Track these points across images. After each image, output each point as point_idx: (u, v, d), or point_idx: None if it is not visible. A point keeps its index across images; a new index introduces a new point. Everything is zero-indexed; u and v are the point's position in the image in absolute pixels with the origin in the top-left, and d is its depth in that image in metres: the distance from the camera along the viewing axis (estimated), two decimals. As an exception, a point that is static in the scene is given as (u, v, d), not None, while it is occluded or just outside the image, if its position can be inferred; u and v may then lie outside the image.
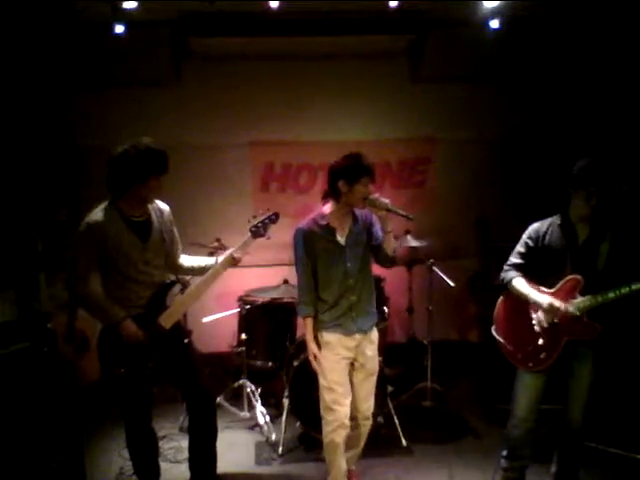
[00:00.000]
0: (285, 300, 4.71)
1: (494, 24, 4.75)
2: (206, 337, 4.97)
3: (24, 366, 3.75)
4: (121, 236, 3.14)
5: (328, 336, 3.41)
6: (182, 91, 5.54)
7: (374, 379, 3.55)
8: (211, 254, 4.49)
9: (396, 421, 4.30)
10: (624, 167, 3.21)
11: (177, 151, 5.53)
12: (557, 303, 3.09)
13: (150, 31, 5.01)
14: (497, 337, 3.39)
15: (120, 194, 3.15)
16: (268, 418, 4.53)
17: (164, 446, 4.17)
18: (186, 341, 3.38)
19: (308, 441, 4.23)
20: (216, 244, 4.56)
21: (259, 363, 4.70)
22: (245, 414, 4.64)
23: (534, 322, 3.22)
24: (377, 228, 3.46)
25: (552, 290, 3.18)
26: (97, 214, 3.14)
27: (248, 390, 4.68)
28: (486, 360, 4.64)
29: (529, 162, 5.72)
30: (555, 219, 3.24)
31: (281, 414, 4.34)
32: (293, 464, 4.09)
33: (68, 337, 4.51)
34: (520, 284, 3.26)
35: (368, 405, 3.53)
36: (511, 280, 3.29)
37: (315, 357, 3.40)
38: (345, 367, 3.43)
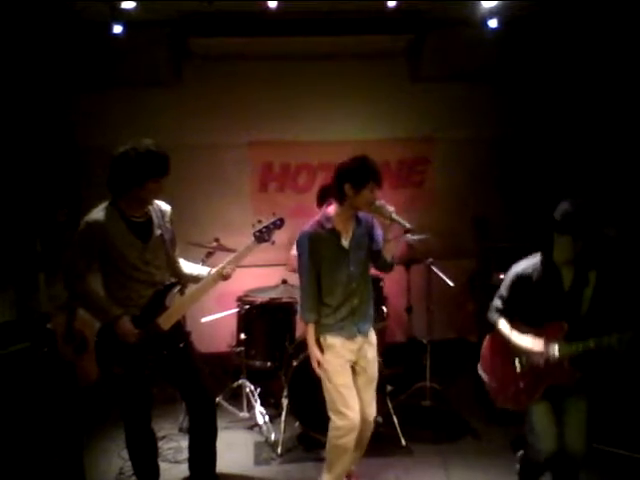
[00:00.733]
0: (284, 300, 4.72)
1: (493, 24, 4.76)
2: (205, 337, 4.95)
3: (24, 366, 3.75)
4: (121, 236, 3.14)
5: (332, 339, 3.39)
6: (181, 91, 5.55)
7: (375, 384, 3.54)
8: (209, 254, 4.50)
9: (395, 421, 4.30)
10: (611, 206, 3.13)
11: (176, 151, 5.50)
12: (538, 347, 3.06)
13: (149, 31, 5.03)
14: (482, 375, 3.36)
15: (120, 195, 3.16)
16: (267, 418, 4.53)
17: (164, 446, 4.18)
18: (181, 345, 3.34)
19: (307, 441, 4.23)
20: (215, 244, 4.56)
21: (258, 363, 4.70)
22: (244, 414, 4.65)
23: (516, 364, 3.19)
24: (378, 232, 3.43)
25: (536, 332, 3.12)
26: (98, 213, 3.14)
27: (247, 390, 4.68)
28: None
29: (528, 161, 5.73)
30: (538, 261, 3.14)
31: (280, 414, 4.34)
32: (292, 464, 4.08)
33: (67, 337, 4.51)
34: (504, 327, 3.20)
35: (372, 410, 3.51)
36: (495, 324, 3.23)
37: (319, 363, 3.38)
38: (349, 370, 3.42)
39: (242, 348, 4.64)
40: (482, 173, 5.82)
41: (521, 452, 3.41)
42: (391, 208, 3.25)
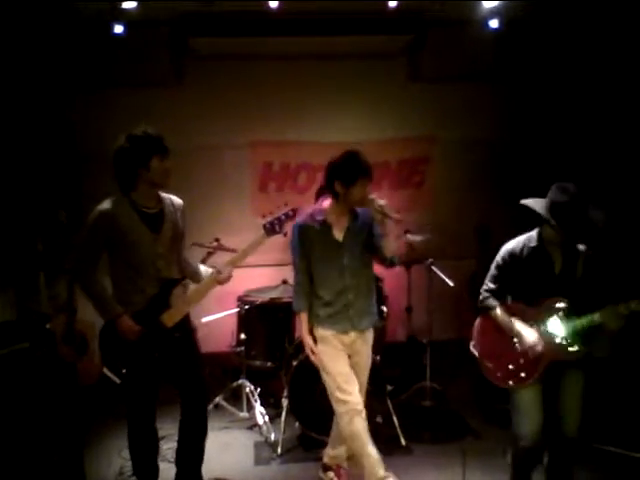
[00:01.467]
0: (284, 300, 4.71)
1: (493, 24, 4.76)
2: (205, 337, 4.96)
3: (24, 366, 3.76)
4: (133, 226, 3.13)
5: (323, 331, 3.40)
6: (182, 91, 5.54)
7: (366, 375, 3.53)
8: (210, 254, 4.50)
9: (395, 421, 4.29)
10: (605, 183, 3.13)
11: (177, 150, 5.52)
12: (540, 347, 3.06)
13: (150, 31, 5.03)
14: (475, 353, 3.34)
15: (130, 185, 3.14)
16: (267, 418, 4.53)
17: (163, 446, 4.15)
18: (177, 335, 3.30)
19: (307, 441, 4.22)
20: (215, 244, 4.56)
21: (258, 363, 4.71)
22: (244, 414, 4.65)
23: (515, 341, 3.17)
24: (377, 226, 3.41)
25: (534, 311, 3.13)
26: (109, 203, 3.14)
27: (247, 390, 4.68)
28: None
29: (528, 161, 5.72)
30: (528, 240, 3.14)
31: (280, 414, 4.34)
32: (292, 464, 4.08)
33: (67, 338, 4.51)
34: (501, 315, 3.18)
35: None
36: (491, 309, 3.21)
37: (312, 351, 3.39)
38: (345, 356, 3.41)
39: (242, 348, 4.64)
40: (482, 173, 5.81)
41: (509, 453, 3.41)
42: (382, 201, 3.22)
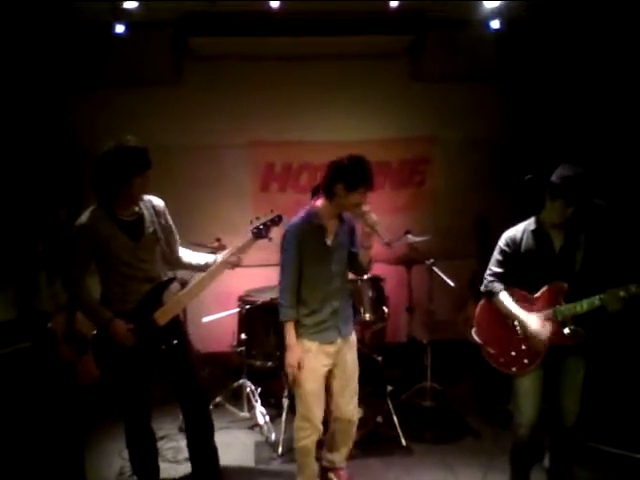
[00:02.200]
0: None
1: (495, 24, 4.76)
2: (206, 337, 4.98)
3: (24, 366, 3.76)
4: (113, 237, 3.14)
5: (309, 344, 3.36)
6: (183, 91, 5.54)
7: (356, 379, 3.52)
8: (210, 254, 4.49)
9: (396, 421, 4.29)
10: (606, 179, 3.18)
11: (177, 151, 5.56)
12: (543, 336, 3.08)
13: (151, 31, 5.03)
14: (477, 340, 3.35)
15: (110, 198, 3.14)
16: (268, 418, 4.53)
17: (163, 446, 4.17)
18: (174, 342, 3.33)
19: (307, 441, 4.23)
20: (216, 244, 4.55)
21: (259, 363, 4.70)
22: (245, 414, 4.65)
23: (517, 328, 3.19)
24: (358, 235, 3.40)
25: (536, 295, 3.15)
26: (87, 217, 3.15)
27: (248, 390, 4.68)
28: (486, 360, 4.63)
29: (529, 162, 5.71)
30: (528, 225, 3.18)
31: (281, 414, 4.33)
32: (292, 464, 4.05)
33: (67, 337, 4.50)
34: (506, 300, 3.18)
35: (352, 407, 3.50)
36: (496, 294, 3.22)
37: (299, 364, 3.32)
38: (322, 376, 3.40)
39: (243, 348, 4.64)
40: (484, 173, 5.81)
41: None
42: (375, 217, 3.20)
